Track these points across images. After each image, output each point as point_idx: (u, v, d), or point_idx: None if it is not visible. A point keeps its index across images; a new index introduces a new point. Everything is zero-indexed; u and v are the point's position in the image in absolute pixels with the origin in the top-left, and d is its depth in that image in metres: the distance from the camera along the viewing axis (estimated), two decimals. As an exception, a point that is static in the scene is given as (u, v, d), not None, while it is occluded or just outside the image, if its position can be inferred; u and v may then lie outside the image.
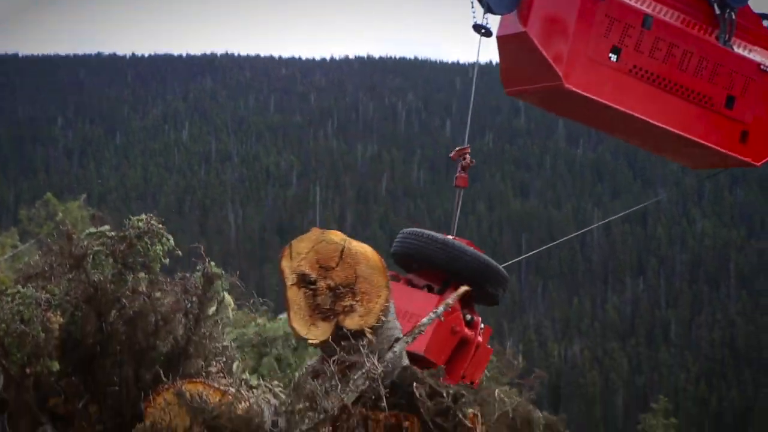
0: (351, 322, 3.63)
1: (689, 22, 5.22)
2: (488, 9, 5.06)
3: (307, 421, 8.27)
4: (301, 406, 8.61)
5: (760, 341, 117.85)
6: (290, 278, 3.65)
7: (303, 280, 3.55)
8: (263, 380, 9.63)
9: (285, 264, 3.69)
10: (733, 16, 5.16)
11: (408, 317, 5.23)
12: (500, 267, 5.67)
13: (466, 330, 5.54)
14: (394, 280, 5.28)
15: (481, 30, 5.25)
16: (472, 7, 5.05)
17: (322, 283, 3.68)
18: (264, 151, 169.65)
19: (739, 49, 5.31)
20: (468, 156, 5.55)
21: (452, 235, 5.59)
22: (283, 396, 8.83)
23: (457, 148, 5.47)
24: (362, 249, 3.83)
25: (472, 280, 5.43)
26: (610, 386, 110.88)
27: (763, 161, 5.51)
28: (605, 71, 5.06)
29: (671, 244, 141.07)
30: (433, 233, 5.53)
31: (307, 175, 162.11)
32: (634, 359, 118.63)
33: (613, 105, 5.11)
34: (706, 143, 5.32)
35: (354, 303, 3.70)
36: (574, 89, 5.04)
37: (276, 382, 9.67)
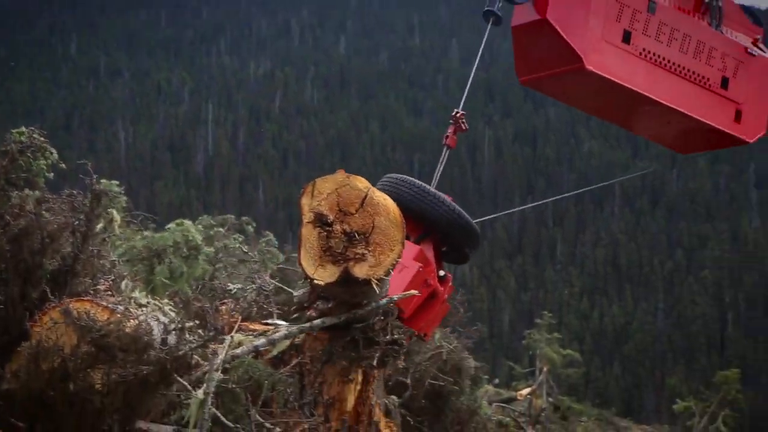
0: (360, 271, 3.58)
1: (685, 8, 5.55)
2: None
3: (196, 338, 8.23)
4: (190, 324, 8.56)
5: (641, 258, 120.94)
6: (307, 216, 3.53)
7: (319, 220, 3.43)
8: (153, 297, 9.54)
9: (305, 201, 3.58)
10: (720, 3, 5.60)
11: None
12: (475, 225, 5.69)
13: (438, 285, 5.58)
14: None
15: (492, 16, 5.35)
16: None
17: (338, 227, 3.62)
18: (155, 66, 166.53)
19: (727, 34, 5.70)
20: (464, 122, 5.52)
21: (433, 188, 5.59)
22: (172, 314, 8.76)
23: (458, 113, 5.37)
24: (384, 201, 3.78)
25: (448, 234, 5.61)
26: (498, 303, 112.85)
27: (756, 137, 5.85)
28: (619, 53, 5.34)
29: (559, 164, 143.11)
30: (415, 180, 5.54)
31: (199, 93, 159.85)
32: (521, 277, 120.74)
33: (627, 85, 5.37)
34: (709, 122, 5.63)
35: (366, 252, 3.66)
36: (595, 70, 5.32)
37: (166, 300, 9.59)
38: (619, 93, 5.46)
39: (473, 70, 6.10)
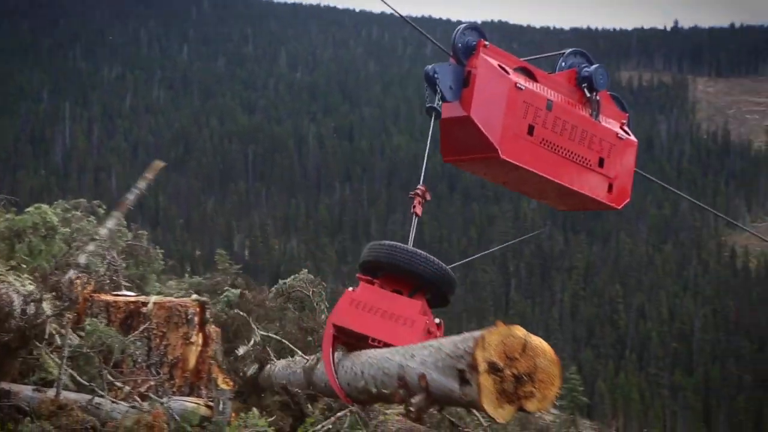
0: (531, 406, 3.57)
1: (573, 103, 6.05)
2: (442, 97, 5.72)
3: (53, 308, 7.95)
4: (48, 296, 8.26)
5: (441, 235, 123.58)
6: (482, 365, 3.50)
7: (493, 368, 3.42)
8: (14, 273, 9.18)
9: (478, 353, 3.50)
10: (598, 97, 6.13)
11: (394, 319, 5.55)
12: (454, 276, 5.97)
13: (436, 331, 5.70)
14: (369, 284, 5.64)
15: (434, 111, 5.81)
16: (426, 93, 5.71)
17: (507, 372, 3.59)
18: (18, 69, 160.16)
19: (603, 122, 6.20)
20: (428, 194, 5.74)
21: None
22: (31, 287, 8.45)
23: (421, 188, 5.84)
24: (540, 344, 3.84)
25: (436, 286, 5.74)
26: (321, 274, 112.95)
27: (622, 205, 6.46)
28: (525, 144, 5.80)
29: (372, 155, 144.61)
30: (406, 246, 5.72)
31: (58, 93, 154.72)
32: (341, 252, 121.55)
33: (531, 169, 5.87)
34: (589, 195, 6.20)
35: (533, 389, 3.66)
36: (507, 159, 5.75)
37: (26, 275, 9.24)
38: (524, 174, 5.96)
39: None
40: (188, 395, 8.73)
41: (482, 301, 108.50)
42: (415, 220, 5.81)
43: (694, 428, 78.40)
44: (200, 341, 9.28)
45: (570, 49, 6.33)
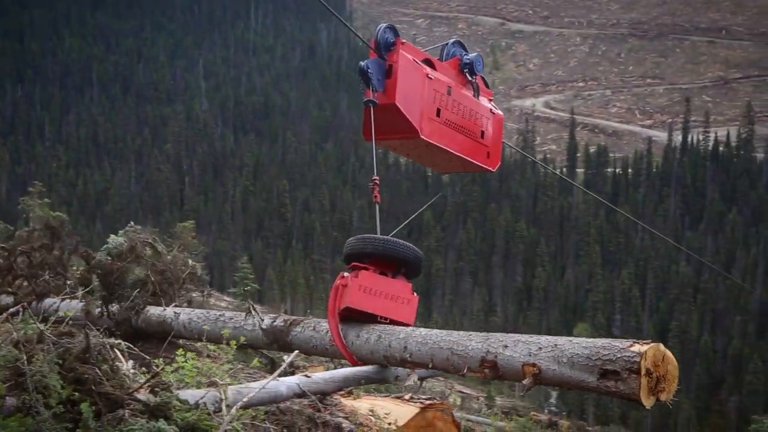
0: (663, 397, 4.94)
1: (461, 85, 7.08)
2: (374, 88, 6.40)
3: None
4: None
5: (116, 135, 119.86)
6: (643, 370, 4.87)
7: (647, 373, 4.87)
8: None
9: (642, 362, 4.89)
10: (475, 80, 7.18)
11: (394, 299, 6.25)
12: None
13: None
14: (365, 270, 6.22)
15: (371, 104, 6.45)
16: (361, 86, 6.43)
17: (654, 374, 4.91)
18: None
19: (481, 101, 7.27)
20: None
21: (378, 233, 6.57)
22: None
23: (376, 179, 6.55)
24: (670, 355, 5.08)
25: (413, 267, 6.46)
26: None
27: (497, 167, 7.58)
28: (435, 125, 6.75)
29: (44, 57, 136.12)
30: (382, 236, 6.41)
31: None
32: (14, 153, 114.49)
33: (439, 144, 6.86)
34: (476, 162, 7.28)
35: (665, 386, 4.97)
36: (425, 138, 6.68)
37: None
38: (433, 149, 6.94)
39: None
40: None
41: (158, 198, 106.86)
42: (377, 207, 6.64)
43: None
44: None
45: (452, 39, 7.49)
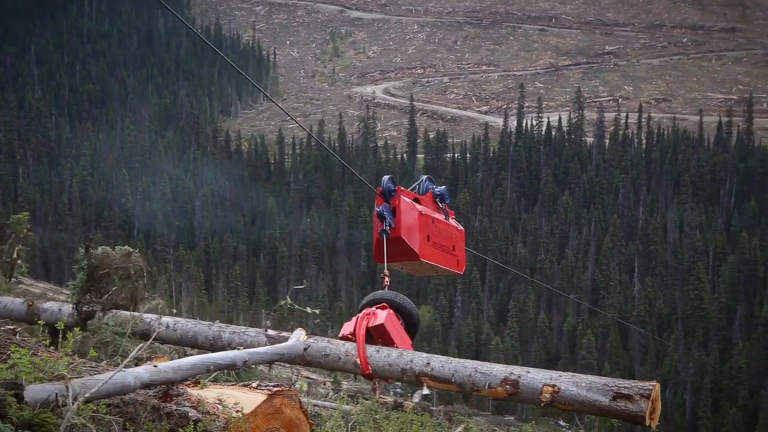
0: (653, 424, 6.07)
1: (437, 213, 8.73)
2: (389, 225, 8.22)
3: None
4: None
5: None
6: (653, 395, 5.86)
7: (652, 401, 5.86)
8: None
9: (652, 393, 5.92)
10: (445, 207, 8.90)
11: (402, 333, 7.85)
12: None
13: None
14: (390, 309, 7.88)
15: (385, 234, 8.20)
16: (381, 221, 8.26)
17: (654, 404, 6.01)
18: None
19: (451, 222, 8.90)
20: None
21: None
22: None
23: (386, 274, 8.51)
24: (659, 392, 6.01)
25: (414, 321, 8.19)
26: None
27: (463, 270, 9.25)
28: (428, 247, 8.38)
29: None
30: (399, 294, 8.19)
31: None
32: None
33: (431, 262, 8.47)
34: (451, 270, 8.90)
35: (655, 415, 6.12)
36: (424, 260, 8.35)
37: None
38: (425, 264, 8.52)
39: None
40: None
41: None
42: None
43: (197, 295, 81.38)
44: None
45: (425, 176, 9.20)
